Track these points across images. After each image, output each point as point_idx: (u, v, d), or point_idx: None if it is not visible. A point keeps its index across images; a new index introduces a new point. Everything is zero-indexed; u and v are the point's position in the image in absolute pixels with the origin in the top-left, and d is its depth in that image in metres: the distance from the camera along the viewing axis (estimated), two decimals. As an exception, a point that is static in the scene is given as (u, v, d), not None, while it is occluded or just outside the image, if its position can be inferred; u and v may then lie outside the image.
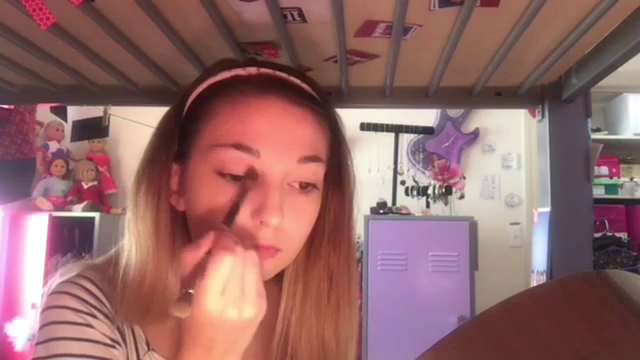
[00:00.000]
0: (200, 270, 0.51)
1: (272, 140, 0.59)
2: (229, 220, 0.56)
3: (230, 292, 0.51)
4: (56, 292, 0.61)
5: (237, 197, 0.57)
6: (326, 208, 0.66)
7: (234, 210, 0.56)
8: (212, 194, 0.58)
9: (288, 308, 0.67)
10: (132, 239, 0.61)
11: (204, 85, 0.65)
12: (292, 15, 0.73)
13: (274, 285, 0.67)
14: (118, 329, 0.62)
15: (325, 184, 0.65)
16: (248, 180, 0.58)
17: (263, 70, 0.64)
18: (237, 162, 0.58)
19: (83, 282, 0.62)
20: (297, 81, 0.64)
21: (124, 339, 0.62)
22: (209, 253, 0.52)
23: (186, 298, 0.50)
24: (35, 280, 2.91)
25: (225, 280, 0.51)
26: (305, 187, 0.62)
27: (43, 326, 0.59)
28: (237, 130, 0.59)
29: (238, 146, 0.58)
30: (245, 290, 0.52)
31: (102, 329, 0.60)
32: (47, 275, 2.89)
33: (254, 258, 0.53)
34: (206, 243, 0.52)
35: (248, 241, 0.57)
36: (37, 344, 0.59)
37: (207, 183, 0.59)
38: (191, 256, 0.52)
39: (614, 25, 0.77)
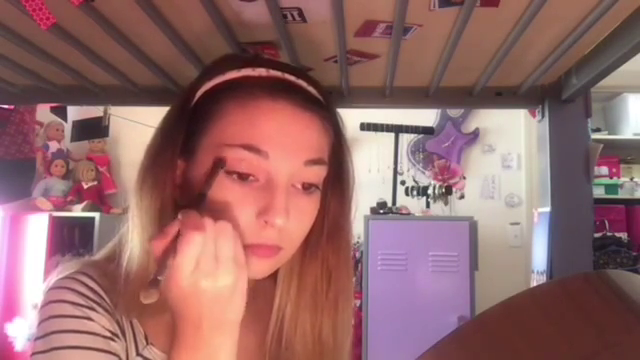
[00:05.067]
0: (172, 254, 0.52)
1: (281, 143, 0.60)
2: (196, 207, 0.56)
3: (203, 266, 0.52)
4: (55, 287, 0.62)
5: (204, 184, 0.58)
6: (326, 207, 0.67)
7: (201, 197, 0.57)
8: (218, 192, 0.59)
9: (283, 302, 0.69)
10: (135, 231, 0.61)
11: (212, 83, 0.65)
12: (292, 15, 0.73)
13: (270, 279, 0.68)
14: (117, 323, 0.62)
15: (325, 184, 0.66)
16: (217, 168, 0.58)
17: (272, 72, 0.64)
18: (245, 162, 0.59)
19: (82, 277, 0.62)
20: (304, 84, 0.65)
21: (123, 333, 0.63)
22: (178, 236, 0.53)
23: (154, 284, 0.50)
24: (35, 280, 2.91)
25: (197, 257, 0.52)
26: (308, 188, 0.63)
27: (42, 321, 0.60)
28: (247, 131, 0.59)
29: (248, 147, 0.59)
30: (219, 259, 0.53)
31: (101, 322, 0.60)
32: (47, 275, 2.89)
33: (226, 228, 0.54)
34: (173, 228, 0.53)
35: (250, 239, 0.58)
36: (36, 339, 0.59)
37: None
38: (160, 243, 0.53)
39: (614, 25, 0.77)
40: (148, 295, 0.50)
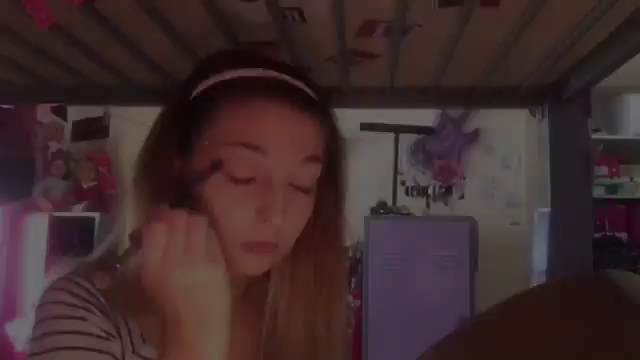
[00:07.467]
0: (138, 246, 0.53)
1: (278, 141, 0.60)
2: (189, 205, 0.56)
3: (171, 256, 0.52)
4: (50, 289, 0.62)
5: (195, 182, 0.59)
6: (320, 206, 0.67)
7: (186, 195, 0.58)
8: (217, 191, 0.59)
9: (276, 298, 0.69)
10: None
11: (208, 82, 0.65)
12: (292, 15, 0.73)
13: (264, 275, 0.68)
14: (113, 323, 0.62)
15: (320, 183, 0.66)
16: (213, 170, 0.59)
17: (269, 72, 0.64)
18: (244, 161, 0.59)
19: (77, 278, 0.62)
20: (301, 85, 0.65)
21: (119, 333, 0.63)
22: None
23: (110, 270, 0.52)
24: (35, 280, 2.91)
25: (162, 246, 0.52)
26: (303, 186, 0.63)
27: (38, 322, 0.60)
28: (244, 130, 0.60)
29: (246, 145, 0.59)
30: (191, 251, 0.53)
31: (97, 322, 0.60)
32: (47, 275, 2.89)
33: (200, 222, 0.54)
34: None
35: (250, 237, 0.59)
36: (33, 340, 0.60)
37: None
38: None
39: (614, 25, 0.77)
40: (100, 280, 0.51)
